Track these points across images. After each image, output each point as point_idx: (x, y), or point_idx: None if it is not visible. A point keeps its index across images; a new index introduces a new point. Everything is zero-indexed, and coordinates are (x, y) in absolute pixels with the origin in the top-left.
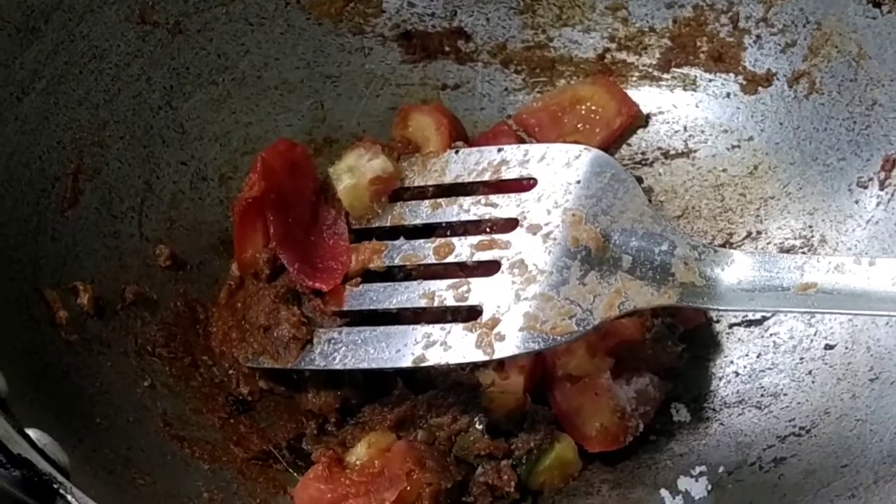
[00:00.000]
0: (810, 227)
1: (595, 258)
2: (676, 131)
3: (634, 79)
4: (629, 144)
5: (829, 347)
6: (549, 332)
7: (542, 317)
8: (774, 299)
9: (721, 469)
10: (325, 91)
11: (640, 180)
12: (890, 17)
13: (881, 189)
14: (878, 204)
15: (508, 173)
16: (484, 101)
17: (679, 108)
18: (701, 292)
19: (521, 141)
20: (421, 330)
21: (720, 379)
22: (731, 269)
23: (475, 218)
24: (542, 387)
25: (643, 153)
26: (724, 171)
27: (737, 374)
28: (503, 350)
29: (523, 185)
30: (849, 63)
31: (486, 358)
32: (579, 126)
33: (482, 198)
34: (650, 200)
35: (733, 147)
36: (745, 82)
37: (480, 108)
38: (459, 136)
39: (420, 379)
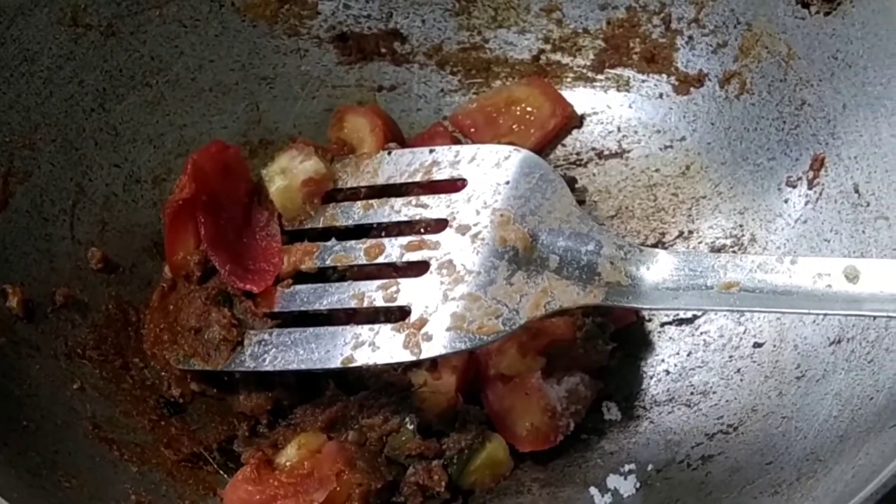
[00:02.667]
0: (741, 226)
1: (522, 258)
2: (610, 132)
3: (569, 80)
4: (564, 145)
5: (757, 346)
6: (476, 331)
7: (469, 316)
8: (698, 298)
9: (650, 467)
10: (260, 93)
11: (574, 181)
12: (818, 17)
13: (810, 188)
14: (806, 203)
15: (439, 174)
16: (420, 103)
17: (613, 108)
18: (626, 291)
19: (457, 142)
20: (350, 331)
21: (651, 377)
22: (655, 268)
23: (406, 219)
24: (475, 386)
25: (578, 154)
26: (657, 171)
27: (667, 372)
28: (430, 350)
29: (455, 185)
30: (778, 63)
31: (414, 358)
32: (514, 127)
33: (413, 199)
34: (584, 201)
35: (666, 147)
36: (677, 83)
37: (416, 109)
38: (395, 137)
39: (352, 380)
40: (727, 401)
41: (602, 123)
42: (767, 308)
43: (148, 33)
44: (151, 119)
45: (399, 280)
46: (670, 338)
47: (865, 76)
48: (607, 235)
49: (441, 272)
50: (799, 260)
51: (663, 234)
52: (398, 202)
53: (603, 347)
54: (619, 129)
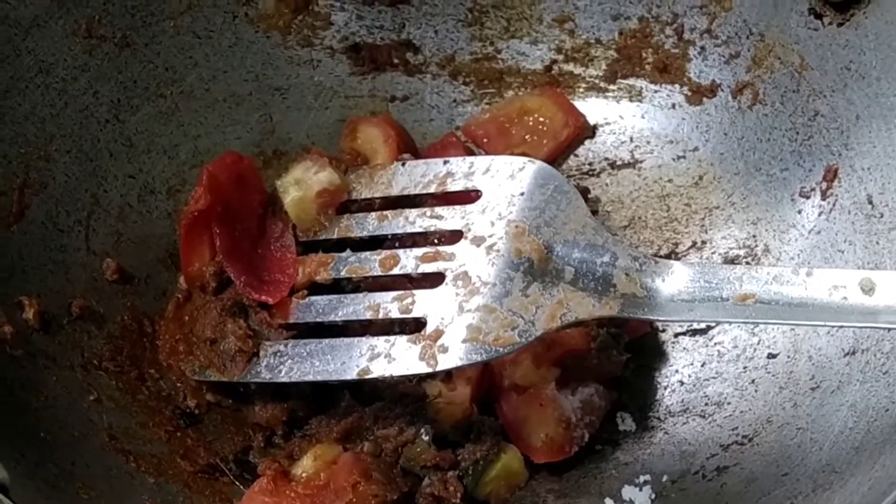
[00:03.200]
0: (754, 236)
1: (538, 270)
2: (623, 142)
3: (581, 90)
4: (576, 155)
5: (771, 356)
6: (492, 343)
7: (485, 328)
8: (713, 310)
9: (665, 478)
10: (273, 103)
11: (586, 191)
12: (831, 28)
13: (823, 199)
14: (819, 214)
15: (454, 185)
16: (433, 113)
17: (625, 118)
18: (642, 303)
19: (470, 152)
20: (366, 342)
21: (665, 388)
22: (670, 280)
23: (420, 230)
24: (489, 398)
25: (590, 164)
26: (670, 181)
27: (681, 383)
28: (446, 362)
29: (469, 196)
30: (791, 74)
31: (430, 370)
32: (527, 137)
33: (427, 210)
34: (597, 211)
35: (679, 158)
36: (689, 93)
37: (429, 119)
38: (408, 147)
39: (367, 391)
40: (742, 412)
41: (614, 134)
42: (783, 320)
43: (162, 44)
44: (166, 130)
45: (414, 291)
46: (684, 348)
47: (879, 87)
48: (622, 247)
49: (456, 284)
50: (814, 272)
51: (676, 245)
52: (413, 213)
53: (617, 358)
54: (631, 140)
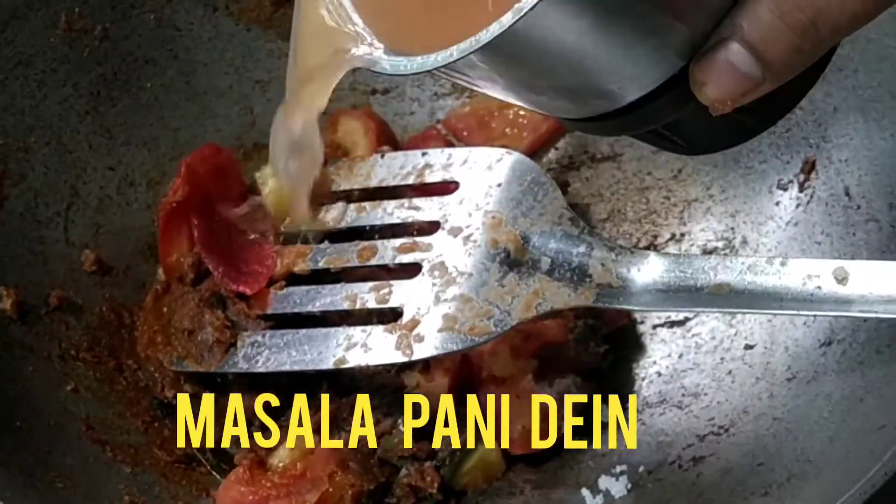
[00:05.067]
0: (732, 228)
1: (514, 260)
2: None
3: None
4: (556, 148)
5: (748, 347)
6: (468, 332)
7: (461, 318)
8: (689, 300)
9: (641, 468)
10: (254, 96)
11: (567, 184)
12: None
13: (800, 191)
14: (797, 206)
15: (432, 176)
16: (413, 106)
17: None
18: (617, 293)
19: (450, 145)
20: (343, 332)
21: (643, 379)
22: (646, 270)
23: (399, 221)
24: (467, 389)
25: (570, 157)
26: (650, 174)
27: (659, 374)
28: (422, 351)
29: (447, 188)
30: None
31: (405, 359)
32: (507, 130)
33: (405, 201)
34: (577, 204)
35: (658, 150)
36: None
37: (410, 112)
38: (388, 140)
39: (345, 381)
40: (718, 402)
41: None
42: (758, 310)
43: (142, 37)
44: (145, 122)
45: (391, 282)
46: (662, 340)
47: (856, 79)
48: (598, 238)
49: (433, 274)
50: (789, 262)
51: (655, 237)
52: (391, 204)
53: (595, 349)
54: None
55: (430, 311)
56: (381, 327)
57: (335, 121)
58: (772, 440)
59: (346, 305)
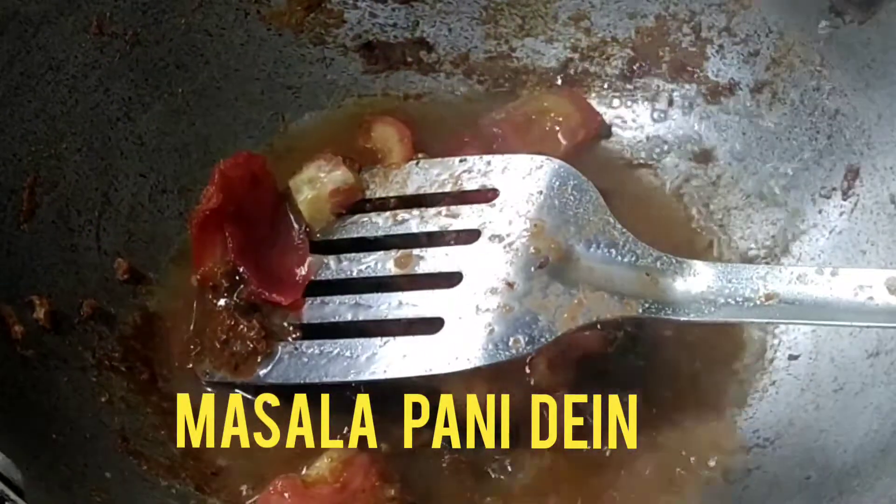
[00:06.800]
0: (773, 237)
1: (557, 269)
2: (639, 141)
3: (597, 89)
4: (592, 155)
5: (792, 358)
6: (511, 344)
7: (504, 328)
8: (737, 310)
9: None
10: (285, 102)
11: (604, 191)
12: (852, 26)
13: (844, 199)
14: (841, 213)
15: (470, 184)
16: (446, 112)
17: (642, 118)
18: (663, 304)
19: (485, 152)
20: (381, 343)
21: None
22: (693, 280)
23: (437, 229)
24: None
25: (606, 163)
26: (688, 181)
27: None
28: (464, 362)
29: (485, 195)
30: (811, 73)
31: (448, 370)
32: (543, 137)
33: (443, 209)
34: (614, 211)
35: (696, 157)
36: (707, 92)
37: (443, 118)
38: (422, 146)
39: (382, 391)
40: (763, 414)
41: (631, 133)
42: (807, 321)
43: (173, 42)
44: (177, 128)
45: (431, 291)
46: None
47: None
48: (643, 247)
49: (473, 283)
50: (839, 271)
51: (694, 245)
52: (428, 212)
53: (635, 361)
54: (647, 139)
55: (471, 321)
56: (420, 338)
57: (368, 127)
58: (820, 453)
59: (384, 315)
